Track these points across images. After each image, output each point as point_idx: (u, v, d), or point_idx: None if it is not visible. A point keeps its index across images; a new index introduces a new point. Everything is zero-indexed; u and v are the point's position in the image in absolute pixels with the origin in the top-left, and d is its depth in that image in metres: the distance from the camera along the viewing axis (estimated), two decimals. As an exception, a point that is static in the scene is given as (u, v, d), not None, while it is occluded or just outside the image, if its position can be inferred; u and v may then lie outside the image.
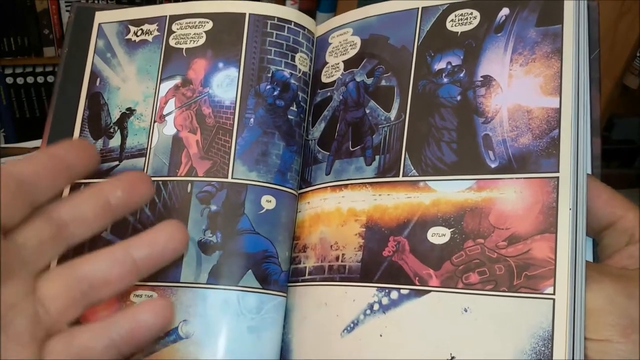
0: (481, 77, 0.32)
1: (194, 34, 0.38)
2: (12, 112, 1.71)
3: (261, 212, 0.35)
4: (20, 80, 1.70)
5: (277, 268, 0.35)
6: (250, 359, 0.33)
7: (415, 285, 0.30)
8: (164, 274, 0.34)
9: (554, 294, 0.27)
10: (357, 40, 0.37)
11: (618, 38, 1.10)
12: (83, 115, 0.39)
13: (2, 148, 0.95)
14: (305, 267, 0.35)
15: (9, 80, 1.69)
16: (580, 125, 0.30)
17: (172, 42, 0.38)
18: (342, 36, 0.37)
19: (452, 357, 0.28)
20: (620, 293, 0.27)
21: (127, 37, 0.39)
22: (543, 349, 0.27)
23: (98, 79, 0.39)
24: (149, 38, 0.39)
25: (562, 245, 0.28)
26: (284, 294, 0.35)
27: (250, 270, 0.34)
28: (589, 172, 0.32)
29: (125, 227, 0.36)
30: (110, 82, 0.39)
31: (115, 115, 0.38)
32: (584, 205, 0.29)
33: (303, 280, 0.35)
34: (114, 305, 0.35)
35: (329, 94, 0.37)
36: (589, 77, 0.33)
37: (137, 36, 0.39)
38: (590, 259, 0.32)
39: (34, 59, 1.69)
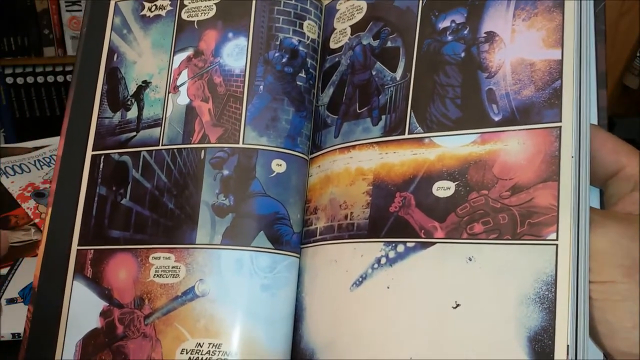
0: (485, 33, 0.32)
1: (205, 6, 0.39)
2: (12, 112, 1.72)
3: (272, 175, 0.36)
4: (20, 80, 1.71)
5: (288, 229, 0.36)
6: (265, 315, 0.34)
7: (421, 238, 0.31)
8: (181, 236, 0.35)
9: (556, 239, 0.27)
10: (364, 4, 0.37)
11: (618, 38, 1.08)
12: (102, 89, 0.41)
13: (2, 148, 0.96)
14: (317, 228, 0.36)
15: (9, 80, 1.71)
16: (583, 75, 0.30)
17: (184, 16, 0.39)
18: (348, 2, 0.38)
19: (457, 305, 0.29)
20: (624, 235, 0.27)
21: (142, 13, 0.41)
22: (547, 293, 0.27)
23: (115, 55, 0.41)
24: (163, 13, 0.40)
25: (565, 192, 0.28)
26: (297, 255, 0.36)
27: (262, 232, 0.35)
28: (595, 122, 0.32)
29: (143, 193, 0.37)
30: (127, 57, 0.40)
31: (132, 88, 0.40)
32: (587, 153, 0.29)
33: (315, 241, 0.36)
34: (133, 267, 0.36)
35: (337, 59, 0.38)
36: (594, 29, 0.33)
37: (152, 11, 0.41)
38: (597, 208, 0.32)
39: (34, 59, 1.70)
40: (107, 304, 0.37)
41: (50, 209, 0.40)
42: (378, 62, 0.35)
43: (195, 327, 0.34)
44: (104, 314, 0.37)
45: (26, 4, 1.65)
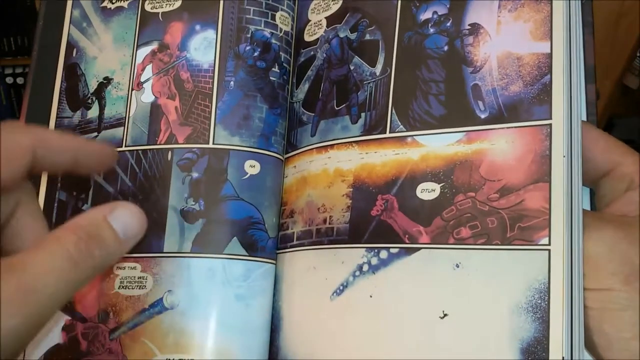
0: (468, 25, 0.31)
1: (170, -3, 0.36)
2: (12, 112, 1.70)
3: (245, 177, 0.33)
4: (20, 80, 1.68)
5: (263, 234, 0.33)
6: (240, 326, 0.32)
7: (405, 243, 0.29)
8: (147, 245, 0.33)
9: (549, 244, 0.26)
10: (339, -5, 0.35)
11: (618, 38, 1.08)
12: (60, 87, 0.38)
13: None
14: (294, 232, 0.34)
15: (9, 80, 1.68)
16: (574, 70, 0.28)
17: (147, 7, 0.37)
18: (323, -8, 0.36)
19: (445, 315, 0.27)
20: (621, 240, 0.26)
21: (102, 5, 0.38)
22: (539, 301, 0.25)
23: (74, 50, 0.38)
24: (125, 4, 0.37)
25: (557, 194, 0.26)
26: (273, 261, 0.34)
27: (235, 238, 0.33)
28: (584, 119, 0.30)
29: (106, 198, 0.35)
30: (86, 52, 0.38)
31: (93, 85, 0.37)
32: (579, 152, 0.27)
33: (292, 246, 0.33)
34: (97, 278, 0.34)
35: (312, 53, 0.35)
36: (582, 21, 0.31)
37: (113, 3, 0.38)
38: (588, 209, 0.30)
39: (34, 59, 1.68)
40: (70, 318, 0.34)
41: (6, 216, 0.37)
42: (356, 57, 0.33)
43: (164, 341, 0.32)
44: (66, 328, 0.34)
45: (26, 4, 1.60)
